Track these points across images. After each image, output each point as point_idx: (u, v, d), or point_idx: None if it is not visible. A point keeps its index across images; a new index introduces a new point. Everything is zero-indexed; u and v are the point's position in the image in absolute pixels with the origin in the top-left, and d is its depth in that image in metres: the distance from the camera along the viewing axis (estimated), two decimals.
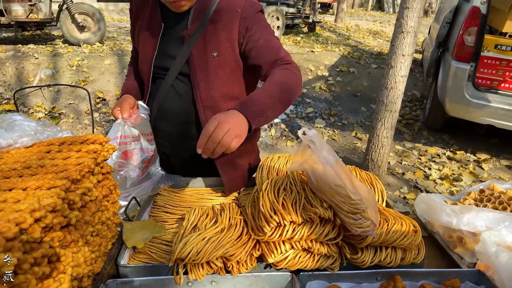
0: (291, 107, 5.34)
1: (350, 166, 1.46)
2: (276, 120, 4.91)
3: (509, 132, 3.72)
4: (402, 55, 2.85)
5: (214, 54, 1.24)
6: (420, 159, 3.90)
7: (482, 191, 1.40)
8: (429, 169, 3.66)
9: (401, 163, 3.82)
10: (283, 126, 4.74)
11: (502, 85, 3.70)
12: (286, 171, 1.30)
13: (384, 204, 1.31)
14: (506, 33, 4.28)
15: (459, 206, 1.21)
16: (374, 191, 1.33)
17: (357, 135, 4.50)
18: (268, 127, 4.70)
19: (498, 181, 1.45)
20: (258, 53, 1.23)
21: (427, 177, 3.53)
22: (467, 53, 3.55)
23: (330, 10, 17.12)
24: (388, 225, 1.02)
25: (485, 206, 1.32)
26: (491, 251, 1.02)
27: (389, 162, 3.72)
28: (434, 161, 3.85)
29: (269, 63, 1.21)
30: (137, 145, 1.31)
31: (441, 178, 3.48)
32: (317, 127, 4.73)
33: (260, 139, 4.39)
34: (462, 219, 1.14)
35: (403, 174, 3.57)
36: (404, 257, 1.02)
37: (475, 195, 1.39)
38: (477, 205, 1.34)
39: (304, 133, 1.06)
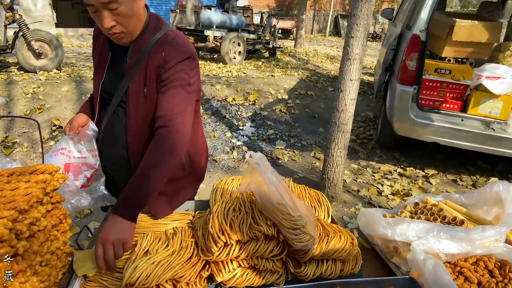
0: (253, 129, 5.46)
1: (300, 186, 1.56)
2: (238, 143, 5.00)
3: (453, 148, 4.02)
4: (350, 80, 3.06)
5: (145, 90, 1.30)
6: (374, 176, 4.11)
7: (416, 204, 1.53)
8: (382, 185, 3.86)
9: (356, 181, 4.00)
10: (245, 148, 4.83)
11: (443, 105, 4.02)
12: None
13: (329, 220, 1.40)
14: (445, 58, 4.69)
15: (393, 218, 1.33)
16: (321, 207, 1.43)
17: (315, 155, 4.67)
18: (230, 149, 4.77)
19: (431, 194, 1.59)
20: (159, 101, 1.28)
21: (380, 193, 3.72)
22: (410, 77, 3.85)
23: (291, 36, 17.85)
24: (328, 239, 1.11)
25: (418, 218, 1.45)
26: (420, 258, 1.12)
27: (345, 180, 3.88)
28: (387, 178, 4.07)
29: (158, 118, 1.27)
30: (80, 160, 1.36)
31: (392, 194, 3.68)
32: (278, 148, 4.86)
33: (222, 161, 4.45)
34: (395, 230, 1.25)
35: (358, 191, 3.74)
36: (343, 268, 1.10)
37: (410, 208, 1.52)
38: (412, 217, 1.46)
39: (250, 156, 1.15)
